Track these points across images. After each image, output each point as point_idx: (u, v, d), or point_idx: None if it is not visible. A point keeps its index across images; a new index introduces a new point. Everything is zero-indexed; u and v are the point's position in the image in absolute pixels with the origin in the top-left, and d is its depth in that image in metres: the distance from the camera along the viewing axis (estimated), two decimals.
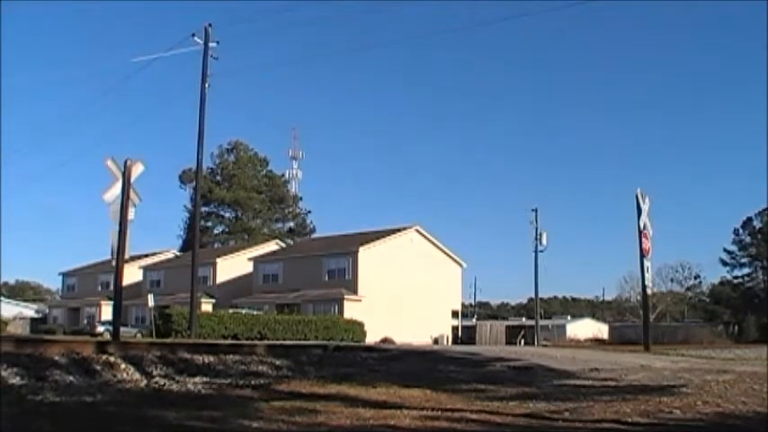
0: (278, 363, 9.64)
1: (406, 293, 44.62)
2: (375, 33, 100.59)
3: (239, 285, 50.89)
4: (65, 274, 67.15)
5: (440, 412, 6.22)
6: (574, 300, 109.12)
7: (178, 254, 64.12)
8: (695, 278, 69.32)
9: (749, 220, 71.94)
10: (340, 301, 43.27)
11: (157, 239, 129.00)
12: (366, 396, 7.19)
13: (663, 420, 6.21)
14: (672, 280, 64.97)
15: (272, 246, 58.49)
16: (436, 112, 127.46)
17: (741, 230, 72.45)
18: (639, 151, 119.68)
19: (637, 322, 49.15)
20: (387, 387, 7.90)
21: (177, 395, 6.90)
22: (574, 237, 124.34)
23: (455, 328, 49.84)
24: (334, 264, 46.83)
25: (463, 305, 59.06)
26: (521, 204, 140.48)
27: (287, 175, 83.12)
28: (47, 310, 66.70)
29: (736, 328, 53.17)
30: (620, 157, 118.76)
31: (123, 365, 8.00)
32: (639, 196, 22.90)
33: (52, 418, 5.33)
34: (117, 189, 15.03)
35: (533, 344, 41.84)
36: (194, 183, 37.04)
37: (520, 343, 45.35)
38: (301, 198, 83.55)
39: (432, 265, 48.31)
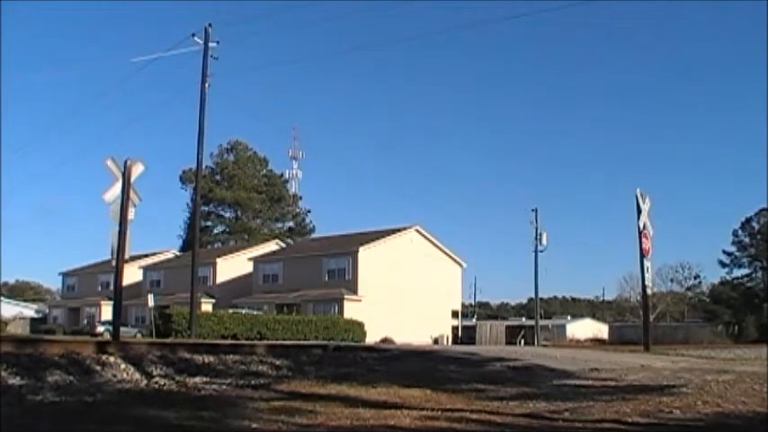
0: (278, 363, 9.63)
1: (406, 293, 44.63)
2: (375, 33, 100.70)
3: (239, 285, 50.90)
4: (65, 274, 67.16)
5: (440, 412, 6.22)
6: (574, 300, 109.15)
7: (178, 254, 64.13)
8: (695, 278, 69.37)
9: (748, 220, 72.00)
10: (340, 301, 43.27)
11: (157, 239, 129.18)
12: (366, 396, 7.19)
13: (663, 420, 6.21)
14: (672, 280, 65.03)
15: (272, 246, 58.50)
16: (436, 112, 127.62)
17: (740, 231, 72.50)
18: (639, 151, 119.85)
19: (637, 322, 49.14)
20: (387, 387, 7.90)
21: (177, 395, 6.89)
22: (574, 237, 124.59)
23: (455, 328, 49.85)
24: (334, 264, 46.84)
25: (463, 305, 59.07)
26: (521, 204, 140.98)
27: (287, 175, 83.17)
28: (47, 310, 66.71)
29: (736, 328, 53.19)
30: (620, 157, 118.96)
31: (123, 365, 8.00)
32: (639, 196, 22.87)
33: (52, 418, 5.33)
34: (117, 189, 15.02)
35: (533, 344, 41.84)
36: (194, 183, 37.05)
37: (520, 343, 45.35)
38: (301, 198, 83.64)
39: (432, 265, 48.32)
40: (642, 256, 22.58)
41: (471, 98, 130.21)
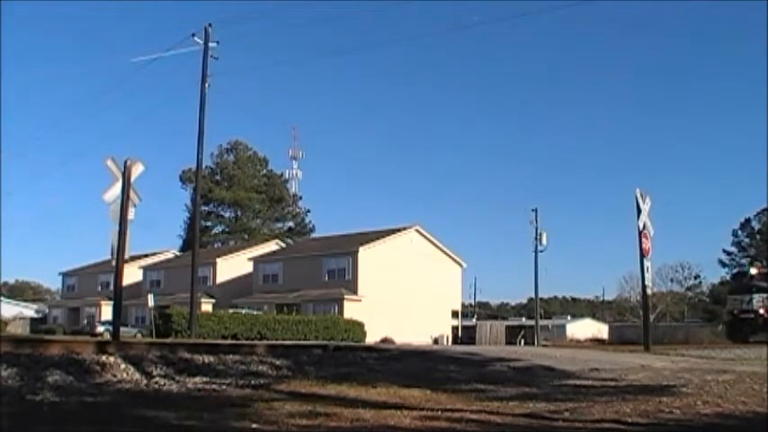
0: (278, 363, 9.62)
1: (406, 293, 44.63)
2: (375, 33, 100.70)
3: (239, 285, 50.92)
4: (65, 274, 67.19)
5: (440, 412, 6.22)
6: (574, 300, 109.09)
7: (178, 254, 64.16)
8: (695, 278, 69.44)
9: (747, 221, 72.05)
10: (340, 301, 43.30)
11: (157, 239, 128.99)
12: (366, 396, 7.18)
13: (663, 420, 6.21)
14: (672, 280, 65.09)
15: (272, 246, 58.52)
16: (436, 112, 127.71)
17: (740, 231, 72.54)
18: (639, 151, 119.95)
19: (637, 322, 49.11)
20: (387, 387, 7.89)
21: (177, 395, 6.89)
22: (574, 237, 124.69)
23: (455, 328, 49.86)
24: (334, 264, 46.86)
25: (463, 305, 59.10)
26: (521, 204, 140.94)
27: (287, 175, 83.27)
28: (47, 310, 66.76)
29: None
30: (620, 157, 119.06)
31: (123, 365, 7.99)
32: (639, 196, 22.82)
33: (52, 419, 5.33)
34: (117, 189, 15.02)
35: (533, 344, 41.81)
36: (194, 183, 37.06)
37: (520, 343, 45.34)
38: (301, 198, 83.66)
39: (432, 266, 48.33)
40: (642, 256, 22.52)
41: (471, 98, 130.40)
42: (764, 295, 31.39)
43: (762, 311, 31.17)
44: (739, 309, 32.13)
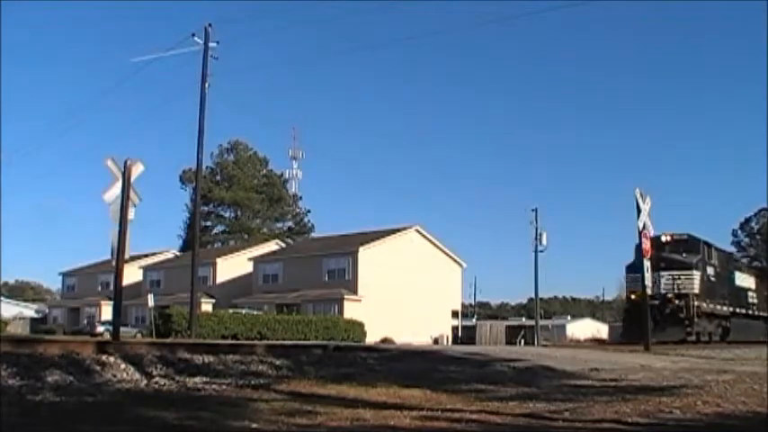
0: (278, 363, 9.62)
1: (406, 293, 44.63)
2: (375, 33, 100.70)
3: (239, 285, 50.92)
4: (65, 274, 67.19)
5: (440, 412, 6.21)
6: (574, 300, 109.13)
7: (178, 254, 64.17)
8: None
9: (747, 220, 72.06)
10: (340, 301, 43.30)
11: (157, 239, 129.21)
12: (366, 396, 7.18)
13: (663, 420, 6.20)
14: None
15: (271, 246, 58.54)
16: (436, 112, 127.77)
17: (739, 231, 72.58)
18: (639, 151, 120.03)
19: None
20: (387, 387, 7.88)
21: (177, 395, 6.89)
22: (574, 237, 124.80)
23: (455, 328, 49.86)
24: (334, 264, 46.86)
25: (463, 305, 59.10)
26: (521, 204, 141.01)
27: (287, 175, 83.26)
28: (47, 310, 66.76)
29: None
30: (620, 157, 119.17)
31: (123, 365, 7.99)
32: (639, 196, 22.80)
33: (52, 419, 5.32)
34: (117, 189, 15.00)
35: (533, 344, 41.80)
36: (194, 183, 37.06)
37: (520, 343, 45.34)
38: (301, 198, 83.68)
39: (432, 266, 48.34)
40: (642, 256, 22.53)
41: (471, 98, 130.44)
42: (677, 273, 22.63)
43: (671, 296, 22.46)
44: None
